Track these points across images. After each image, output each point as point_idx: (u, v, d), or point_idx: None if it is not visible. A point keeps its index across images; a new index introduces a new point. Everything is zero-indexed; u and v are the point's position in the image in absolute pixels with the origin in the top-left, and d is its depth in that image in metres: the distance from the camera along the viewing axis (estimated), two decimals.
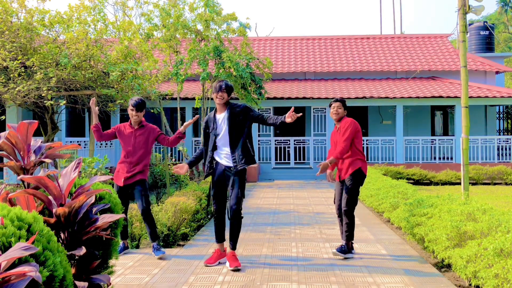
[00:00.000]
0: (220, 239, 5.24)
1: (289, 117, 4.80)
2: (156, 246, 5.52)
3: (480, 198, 10.50)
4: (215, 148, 5.13)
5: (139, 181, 5.51)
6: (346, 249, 5.44)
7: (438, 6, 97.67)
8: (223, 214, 5.21)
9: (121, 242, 5.65)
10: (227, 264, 4.99)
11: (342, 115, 5.60)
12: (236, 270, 4.85)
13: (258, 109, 16.61)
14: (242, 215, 5.09)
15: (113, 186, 5.59)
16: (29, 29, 9.84)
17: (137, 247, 6.06)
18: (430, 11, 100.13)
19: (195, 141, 17.28)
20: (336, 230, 7.09)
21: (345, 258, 5.36)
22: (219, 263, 5.14)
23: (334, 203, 5.75)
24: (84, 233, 2.95)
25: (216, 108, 5.21)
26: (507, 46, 46.50)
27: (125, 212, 5.63)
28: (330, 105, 5.70)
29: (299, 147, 17.67)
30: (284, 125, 5.15)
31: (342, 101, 5.64)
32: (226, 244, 5.23)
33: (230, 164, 5.03)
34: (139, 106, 5.52)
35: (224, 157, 5.10)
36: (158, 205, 6.93)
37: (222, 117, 5.11)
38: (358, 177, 5.49)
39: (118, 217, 3.08)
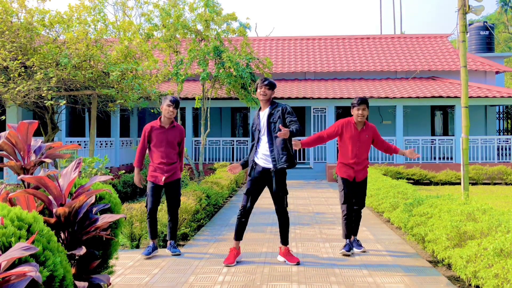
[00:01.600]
0: (239, 236, 5.25)
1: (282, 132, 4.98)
2: (173, 244, 5.66)
3: (480, 198, 10.50)
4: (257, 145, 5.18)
5: (176, 180, 5.71)
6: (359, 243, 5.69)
7: (438, 6, 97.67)
8: (249, 213, 5.25)
9: (150, 242, 5.66)
10: (280, 259, 5.21)
11: (366, 117, 5.63)
12: (297, 265, 5.06)
13: None
14: (287, 212, 5.27)
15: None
16: (29, 29, 9.84)
17: (137, 247, 6.07)
18: (430, 11, 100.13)
19: (195, 141, 17.29)
20: (336, 230, 7.10)
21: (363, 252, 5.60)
22: (237, 262, 5.16)
23: (345, 203, 5.59)
24: (84, 233, 2.95)
25: (260, 105, 5.27)
26: (507, 46, 46.50)
27: (156, 210, 5.70)
28: (352, 106, 5.60)
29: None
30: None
31: (367, 102, 5.61)
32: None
33: (268, 165, 5.09)
34: (177, 103, 5.68)
35: (261, 157, 5.14)
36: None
37: (263, 114, 5.18)
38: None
39: (118, 217, 3.09)
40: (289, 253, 5.22)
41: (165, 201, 5.93)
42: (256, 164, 5.17)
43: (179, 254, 5.54)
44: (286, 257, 5.18)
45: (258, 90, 5.16)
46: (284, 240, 5.26)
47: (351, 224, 5.66)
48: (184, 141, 5.90)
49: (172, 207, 5.71)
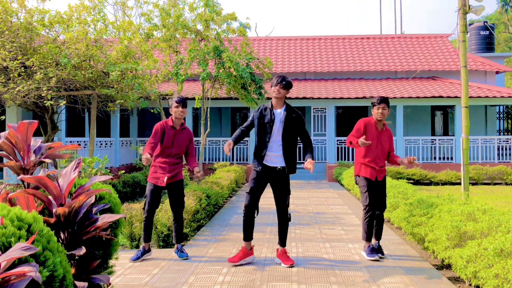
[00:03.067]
0: (248, 237, 5.17)
1: (309, 166, 5.01)
2: (180, 248, 5.52)
3: (480, 198, 10.50)
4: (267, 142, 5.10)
5: (179, 181, 5.57)
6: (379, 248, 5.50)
7: (438, 6, 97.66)
8: (254, 211, 5.17)
9: (141, 247, 5.52)
10: (277, 261, 5.14)
11: (386, 116, 5.55)
12: (291, 267, 5.00)
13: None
14: (289, 214, 5.19)
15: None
16: (29, 29, 9.83)
17: (137, 247, 6.06)
18: (430, 11, 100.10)
19: (195, 141, 17.25)
20: (336, 230, 7.10)
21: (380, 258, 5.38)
22: (244, 262, 5.09)
23: (370, 204, 5.41)
24: (84, 233, 2.95)
25: (272, 103, 5.18)
26: (507, 46, 46.48)
27: (153, 213, 5.57)
28: (373, 105, 5.55)
29: (299, 147, 17.68)
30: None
31: (387, 101, 5.54)
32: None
33: (275, 164, 5.06)
34: (184, 102, 5.55)
35: (269, 156, 5.07)
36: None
37: (278, 113, 5.11)
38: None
39: (118, 217, 3.08)
40: (285, 255, 5.14)
41: (168, 203, 5.84)
42: (262, 162, 5.10)
43: (187, 259, 5.40)
44: (282, 259, 5.11)
45: (273, 88, 5.10)
46: (283, 241, 5.18)
47: (373, 226, 5.52)
48: (193, 142, 5.79)
49: (177, 210, 5.54)
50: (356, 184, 5.68)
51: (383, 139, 5.57)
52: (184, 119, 5.88)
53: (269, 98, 16.35)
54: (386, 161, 5.66)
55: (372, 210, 5.43)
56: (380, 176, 5.55)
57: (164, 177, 5.45)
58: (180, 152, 5.59)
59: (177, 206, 5.55)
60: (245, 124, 5.31)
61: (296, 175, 16.86)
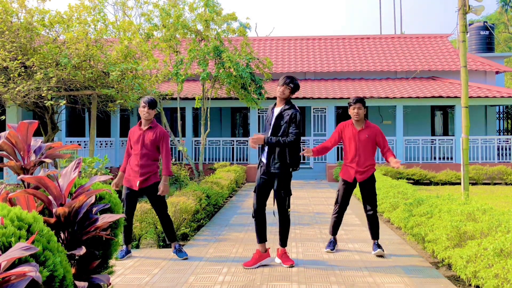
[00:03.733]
0: (261, 239, 5.13)
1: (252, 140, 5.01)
2: (178, 247, 5.51)
3: (480, 198, 10.50)
4: None
5: (154, 184, 5.47)
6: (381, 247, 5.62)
7: (438, 6, 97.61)
8: (262, 212, 5.14)
9: (124, 247, 5.55)
10: (277, 260, 5.14)
11: (362, 116, 5.62)
12: (291, 267, 5.00)
13: (258, 109, 16.61)
14: (289, 214, 5.14)
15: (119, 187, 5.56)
16: (29, 29, 9.83)
17: (137, 247, 6.07)
18: (430, 11, 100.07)
19: (195, 141, 17.28)
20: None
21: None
22: (260, 265, 5.04)
23: (337, 203, 5.70)
24: (84, 233, 2.95)
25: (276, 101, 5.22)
26: (507, 46, 46.47)
27: (131, 217, 5.58)
28: (349, 105, 5.66)
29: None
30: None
31: (362, 101, 5.62)
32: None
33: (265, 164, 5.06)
34: (151, 103, 5.46)
35: (264, 155, 5.07)
36: None
37: (276, 112, 5.12)
38: (374, 177, 5.69)
39: (118, 217, 3.08)
40: (285, 255, 5.12)
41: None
42: (262, 162, 5.10)
43: (186, 258, 5.39)
44: (282, 259, 5.11)
45: (278, 87, 5.08)
46: (283, 241, 5.17)
47: (339, 223, 5.78)
48: (166, 142, 5.51)
49: (158, 212, 5.51)
50: (337, 181, 5.81)
51: (363, 138, 5.59)
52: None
53: (269, 98, 16.36)
54: (374, 160, 5.71)
55: (339, 209, 5.72)
56: (360, 177, 5.58)
57: (136, 180, 5.39)
58: (149, 152, 5.43)
59: (158, 208, 5.51)
60: None
61: (296, 175, 16.89)
